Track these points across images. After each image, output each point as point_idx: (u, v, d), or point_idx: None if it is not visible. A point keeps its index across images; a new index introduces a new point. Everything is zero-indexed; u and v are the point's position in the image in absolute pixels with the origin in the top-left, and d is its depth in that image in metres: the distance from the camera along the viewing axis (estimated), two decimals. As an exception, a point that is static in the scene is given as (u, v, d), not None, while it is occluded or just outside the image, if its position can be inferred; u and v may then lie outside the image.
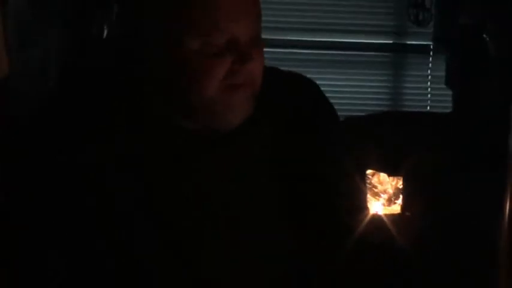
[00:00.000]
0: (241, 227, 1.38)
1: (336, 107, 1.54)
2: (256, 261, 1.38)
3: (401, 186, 1.50)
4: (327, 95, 1.52)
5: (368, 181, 1.48)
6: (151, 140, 1.35)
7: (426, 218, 1.51)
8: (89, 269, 1.34)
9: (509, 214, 1.53)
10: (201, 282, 1.36)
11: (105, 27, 2.30)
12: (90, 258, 1.34)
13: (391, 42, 3.59)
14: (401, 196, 1.50)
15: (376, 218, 1.45)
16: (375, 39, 3.58)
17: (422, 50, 3.55)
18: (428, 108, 3.60)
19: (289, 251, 1.40)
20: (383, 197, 1.49)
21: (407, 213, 1.48)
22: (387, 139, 2.30)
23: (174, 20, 1.29)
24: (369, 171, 1.49)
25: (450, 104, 3.08)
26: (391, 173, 1.49)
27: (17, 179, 1.34)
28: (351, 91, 3.59)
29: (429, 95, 3.60)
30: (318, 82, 1.52)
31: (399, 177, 1.50)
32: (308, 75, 1.53)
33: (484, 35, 2.39)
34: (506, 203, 1.54)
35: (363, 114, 3.07)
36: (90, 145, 1.34)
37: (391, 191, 1.49)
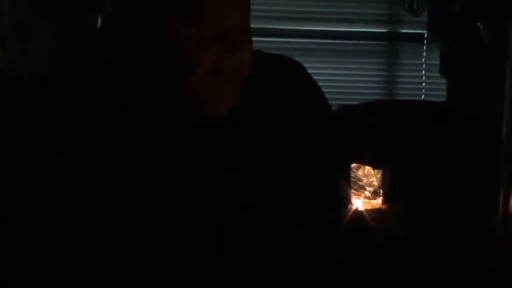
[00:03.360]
0: (239, 221, 1.38)
1: (329, 95, 1.54)
2: (253, 256, 1.39)
3: (383, 179, 1.50)
4: (321, 83, 1.52)
5: (352, 174, 1.49)
6: (148, 137, 1.35)
7: (407, 211, 1.52)
8: (88, 268, 1.34)
9: (503, 205, 1.53)
10: (200, 279, 1.37)
11: (99, 17, 2.30)
12: (88, 257, 1.34)
13: (385, 31, 3.58)
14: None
15: (358, 213, 1.46)
16: (369, 28, 3.58)
17: (417, 38, 3.55)
18: (422, 96, 3.60)
19: (285, 247, 1.41)
20: (368, 190, 1.50)
21: (383, 207, 1.48)
22: (377, 131, 2.30)
23: (165, 10, 1.29)
24: (353, 165, 1.49)
25: (444, 93, 3.09)
26: (376, 166, 1.49)
27: (14, 179, 1.34)
28: (345, 80, 3.58)
29: (423, 84, 3.60)
30: (311, 71, 1.52)
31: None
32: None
33: (478, 24, 2.39)
34: (501, 194, 1.54)
35: (356, 103, 3.08)
36: (88, 144, 1.34)
37: (376, 183, 1.50)
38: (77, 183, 1.32)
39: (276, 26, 3.51)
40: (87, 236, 1.33)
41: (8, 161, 1.35)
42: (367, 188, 1.50)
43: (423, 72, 3.59)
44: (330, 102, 1.53)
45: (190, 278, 1.36)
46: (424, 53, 3.56)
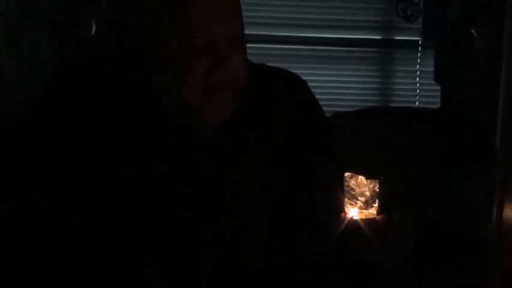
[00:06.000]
0: (233, 224, 1.39)
1: (324, 102, 1.54)
2: (237, 253, 1.40)
3: (378, 190, 1.51)
4: (316, 90, 1.53)
5: (346, 183, 1.49)
6: (145, 136, 1.36)
7: (401, 221, 1.53)
8: (86, 264, 1.35)
9: (496, 213, 1.54)
10: (196, 275, 1.38)
11: (93, 23, 2.31)
12: (85, 254, 1.34)
13: (379, 37, 3.59)
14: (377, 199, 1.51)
15: (353, 223, 1.47)
16: (363, 35, 3.58)
17: (411, 45, 3.55)
18: (417, 103, 3.60)
19: (271, 251, 1.42)
20: (360, 199, 1.50)
21: (378, 217, 1.49)
22: (372, 138, 2.30)
23: (153, 20, 1.29)
24: (346, 174, 1.49)
25: (439, 100, 3.09)
26: (368, 175, 1.50)
27: (18, 176, 1.35)
28: (339, 86, 3.59)
29: (418, 91, 3.60)
30: (306, 78, 1.53)
31: (376, 180, 1.51)
32: (297, 71, 1.53)
33: (472, 31, 2.40)
34: (495, 201, 1.55)
35: (351, 109, 3.08)
36: (85, 144, 1.34)
37: (368, 193, 1.51)
38: (76, 180, 1.33)
39: (270, 33, 3.51)
40: (89, 230, 1.34)
41: (10, 159, 1.36)
42: (359, 198, 1.51)
43: (417, 79, 3.59)
44: (324, 108, 1.54)
45: (187, 274, 1.37)
46: (419, 60, 3.57)
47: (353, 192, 1.51)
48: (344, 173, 1.51)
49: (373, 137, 2.36)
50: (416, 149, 2.27)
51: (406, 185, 1.85)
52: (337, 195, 1.46)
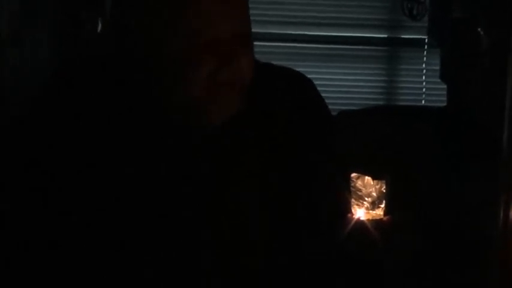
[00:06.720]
0: (226, 224, 1.39)
1: (330, 101, 1.54)
2: (236, 255, 1.39)
3: (385, 190, 1.51)
4: (321, 89, 1.52)
5: (352, 184, 1.49)
6: (145, 136, 1.36)
7: (408, 221, 1.52)
8: (86, 264, 1.35)
9: (503, 215, 1.53)
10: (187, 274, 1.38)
11: (99, 21, 2.31)
12: (85, 255, 1.34)
13: (385, 36, 3.58)
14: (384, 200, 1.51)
15: (359, 223, 1.47)
16: (369, 33, 3.58)
17: (417, 44, 3.55)
18: (422, 102, 3.60)
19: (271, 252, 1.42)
20: (367, 200, 1.50)
21: (385, 218, 1.48)
22: (377, 136, 2.29)
23: (156, 20, 1.28)
24: (353, 175, 1.49)
25: (445, 98, 3.08)
26: (375, 176, 1.49)
27: (19, 176, 1.35)
28: (345, 85, 3.58)
29: (424, 89, 3.60)
30: (312, 76, 1.52)
31: (383, 181, 1.51)
32: (302, 69, 1.53)
33: (478, 29, 2.39)
34: (501, 203, 1.54)
35: (356, 108, 3.07)
36: (86, 143, 1.34)
37: (375, 194, 1.50)
38: (76, 180, 1.33)
39: (277, 31, 3.51)
40: (89, 230, 1.34)
41: (10, 159, 1.36)
42: (366, 199, 1.51)
43: (423, 77, 3.58)
44: (330, 107, 1.54)
45: (187, 274, 1.37)
46: (425, 59, 3.56)
47: (360, 193, 1.51)
48: (350, 173, 1.51)
49: (378, 136, 2.35)
50: (417, 149, 2.26)
51: (409, 185, 1.84)
52: (339, 194, 1.46)
